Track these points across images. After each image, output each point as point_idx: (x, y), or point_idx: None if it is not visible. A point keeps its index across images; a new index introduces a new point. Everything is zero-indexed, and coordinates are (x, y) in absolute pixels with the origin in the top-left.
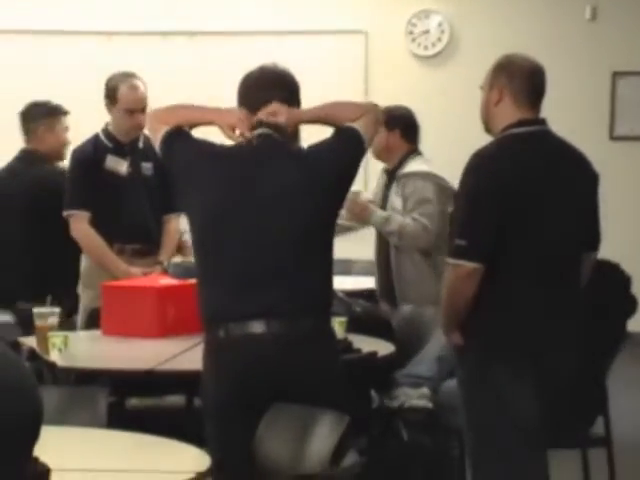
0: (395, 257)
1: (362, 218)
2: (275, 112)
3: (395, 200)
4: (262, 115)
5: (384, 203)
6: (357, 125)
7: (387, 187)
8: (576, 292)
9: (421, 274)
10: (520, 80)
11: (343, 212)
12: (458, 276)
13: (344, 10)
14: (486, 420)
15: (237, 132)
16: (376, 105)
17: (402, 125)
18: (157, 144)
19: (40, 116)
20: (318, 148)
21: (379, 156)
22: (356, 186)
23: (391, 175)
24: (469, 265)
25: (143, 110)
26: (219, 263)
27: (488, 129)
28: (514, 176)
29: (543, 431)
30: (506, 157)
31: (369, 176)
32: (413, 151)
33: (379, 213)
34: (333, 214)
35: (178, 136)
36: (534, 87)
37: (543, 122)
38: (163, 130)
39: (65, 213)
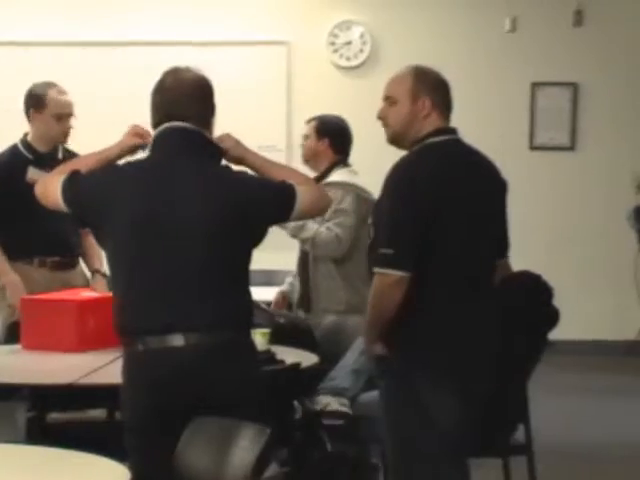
0: (312, 265)
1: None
2: (222, 140)
3: None
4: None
5: None
6: (297, 188)
7: None
8: (492, 301)
9: (334, 282)
10: (441, 91)
11: None
12: (385, 285)
13: (266, 21)
14: (408, 431)
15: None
16: (324, 192)
17: (331, 135)
18: (58, 200)
19: None
20: (249, 178)
21: (307, 162)
22: None
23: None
24: (396, 274)
25: (69, 117)
26: (136, 278)
27: (398, 140)
28: (437, 184)
29: (464, 441)
30: (429, 165)
31: None
32: (340, 162)
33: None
34: (246, 238)
35: (75, 178)
36: (450, 98)
37: (455, 131)
38: (59, 181)
39: None
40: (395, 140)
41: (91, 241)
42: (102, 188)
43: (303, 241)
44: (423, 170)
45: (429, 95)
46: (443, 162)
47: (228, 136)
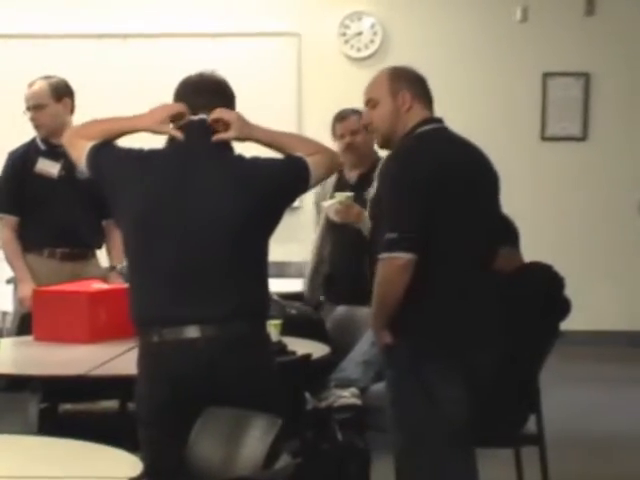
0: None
1: (357, 222)
2: (225, 120)
3: None
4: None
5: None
6: (308, 160)
7: (357, 190)
8: (493, 289)
9: None
10: (419, 84)
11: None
12: (392, 269)
13: (277, 12)
14: (415, 419)
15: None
16: (334, 152)
17: None
18: (82, 160)
19: None
20: (263, 163)
21: (363, 158)
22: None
23: (364, 179)
24: (403, 256)
25: (35, 108)
26: (151, 268)
27: (388, 141)
28: (436, 167)
29: (472, 430)
30: (425, 150)
31: None
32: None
33: None
34: (267, 224)
35: (103, 148)
36: (428, 90)
37: (441, 120)
38: (87, 145)
39: None
40: (385, 142)
41: (113, 234)
42: (126, 171)
43: None
44: (419, 155)
45: (407, 88)
46: (438, 146)
47: (230, 115)
